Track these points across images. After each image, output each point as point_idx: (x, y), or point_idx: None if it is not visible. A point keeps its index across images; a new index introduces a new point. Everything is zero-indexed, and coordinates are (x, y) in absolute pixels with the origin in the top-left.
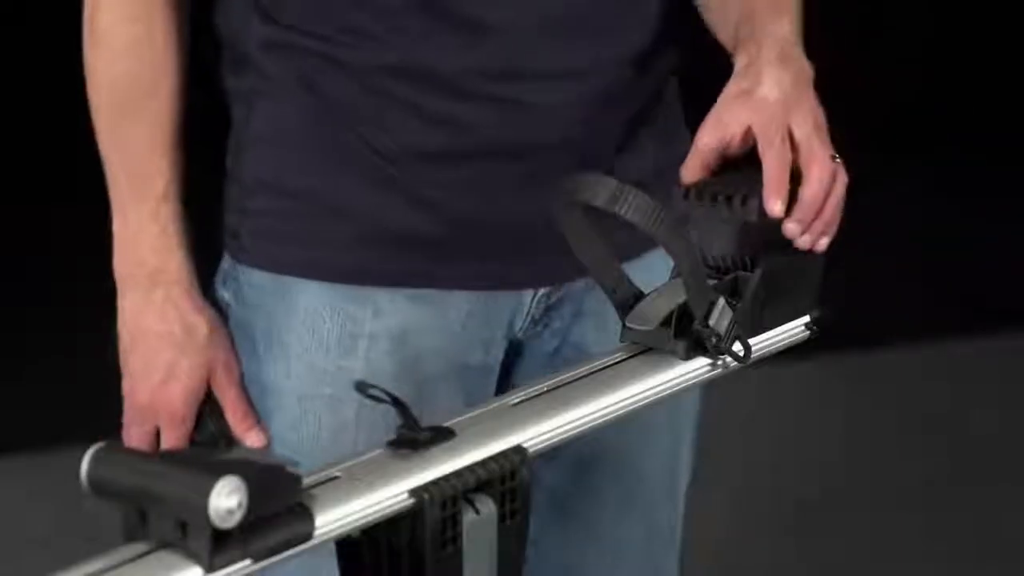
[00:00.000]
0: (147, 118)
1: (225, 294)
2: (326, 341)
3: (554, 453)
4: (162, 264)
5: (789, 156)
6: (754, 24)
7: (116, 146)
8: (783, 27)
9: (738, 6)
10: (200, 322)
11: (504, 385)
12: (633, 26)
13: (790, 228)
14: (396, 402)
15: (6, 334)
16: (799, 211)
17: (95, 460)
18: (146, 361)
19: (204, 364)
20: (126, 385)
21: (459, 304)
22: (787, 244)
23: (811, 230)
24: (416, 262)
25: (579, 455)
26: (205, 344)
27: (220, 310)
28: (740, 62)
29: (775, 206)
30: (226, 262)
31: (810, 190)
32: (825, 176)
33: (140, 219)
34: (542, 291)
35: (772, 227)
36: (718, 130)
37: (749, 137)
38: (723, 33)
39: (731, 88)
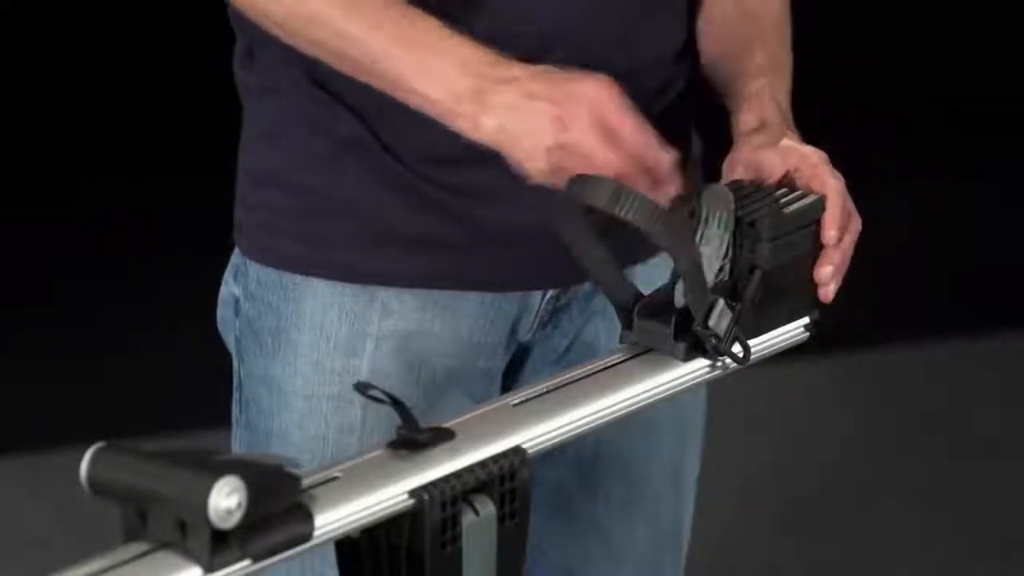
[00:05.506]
0: None
1: (235, 289)
2: (333, 340)
3: (557, 452)
4: (474, 55)
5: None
6: (766, 84)
7: (365, 30)
8: (785, 94)
9: (742, 52)
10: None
11: (513, 385)
12: (655, 37)
13: (830, 289)
14: (395, 403)
15: (6, 334)
16: (834, 262)
17: (95, 460)
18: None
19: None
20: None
21: (468, 306)
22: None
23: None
24: (425, 263)
25: (583, 454)
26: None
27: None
28: (751, 119)
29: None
30: (236, 257)
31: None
32: (855, 229)
33: (437, 59)
34: (551, 293)
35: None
36: (751, 171)
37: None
38: (720, 67)
39: (756, 139)
